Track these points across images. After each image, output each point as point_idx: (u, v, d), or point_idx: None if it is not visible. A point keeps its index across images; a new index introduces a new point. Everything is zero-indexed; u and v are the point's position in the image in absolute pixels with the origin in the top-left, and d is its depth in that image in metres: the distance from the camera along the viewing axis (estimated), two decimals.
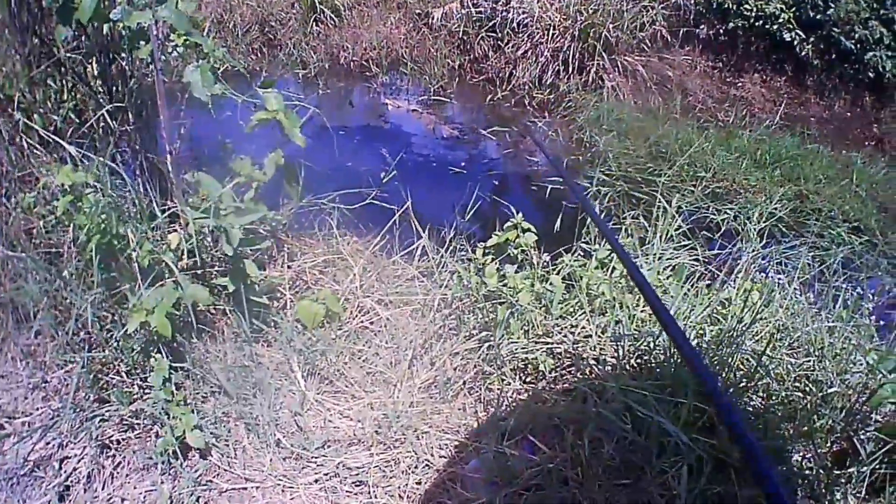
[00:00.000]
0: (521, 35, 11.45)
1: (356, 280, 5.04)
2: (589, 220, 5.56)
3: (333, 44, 12.04)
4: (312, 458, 3.90)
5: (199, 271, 4.34)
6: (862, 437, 4.10)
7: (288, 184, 4.55)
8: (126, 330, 3.91)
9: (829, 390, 4.36)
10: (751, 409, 4.26)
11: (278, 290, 4.83)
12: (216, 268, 4.43)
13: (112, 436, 3.88)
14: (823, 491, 3.94)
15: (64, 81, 5.23)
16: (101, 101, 5.05)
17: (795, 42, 11.76)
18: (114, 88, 5.13)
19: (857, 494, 3.96)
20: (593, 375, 4.32)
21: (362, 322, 4.79)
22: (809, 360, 4.66)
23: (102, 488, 3.74)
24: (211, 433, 3.89)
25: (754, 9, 11.68)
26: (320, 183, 5.77)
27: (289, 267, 5.14)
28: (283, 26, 12.32)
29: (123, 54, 5.00)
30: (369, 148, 8.97)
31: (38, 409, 4.01)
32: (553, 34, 11.14)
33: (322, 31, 12.24)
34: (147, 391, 3.99)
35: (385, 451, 3.94)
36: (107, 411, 3.92)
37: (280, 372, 4.31)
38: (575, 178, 8.10)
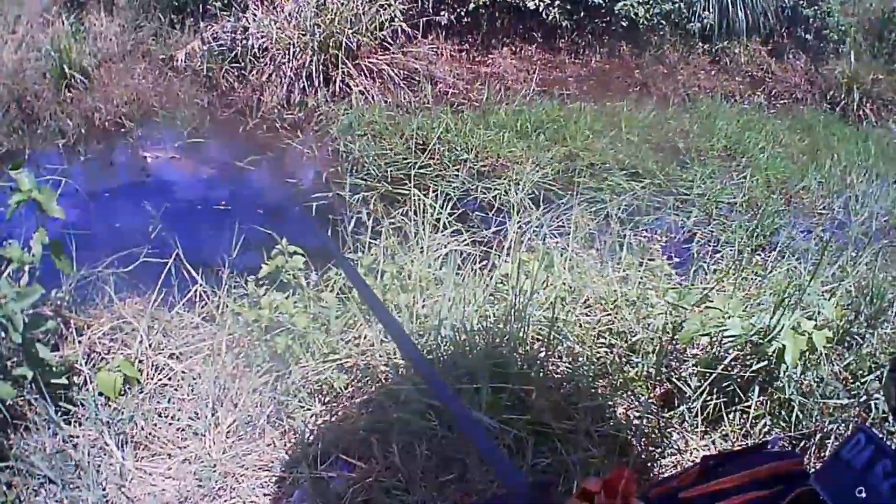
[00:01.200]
0: (263, 59, 11.51)
1: (144, 340, 4.97)
2: (350, 230, 5.60)
3: (87, 107, 11.75)
4: None
5: None
6: (683, 374, 4.26)
7: (57, 259, 4.51)
8: None
9: (634, 338, 4.52)
10: (558, 375, 4.31)
11: (75, 368, 4.72)
12: (13, 359, 4.37)
13: None
14: (658, 435, 4.03)
15: None
16: None
17: (541, 9, 11.97)
18: None
19: (696, 430, 4.11)
20: (389, 382, 4.37)
21: (160, 380, 4.75)
22: (607, 314, 4.78)
23: None
24: None
25: None
26: (92, 252, 5.69)
27: (79, 342, 5.00)
28: (39, 98, 12.00)
29: None
30: (135, 205, 8.73)
31: None
32: (294, 52, 11.22)
33: (75, 96, 11.95)
34: None
35: (211, 503, 3.94)
36: None
37: (96, 448, 4.23)
38: (335, 190, 8.08)
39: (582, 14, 12.20)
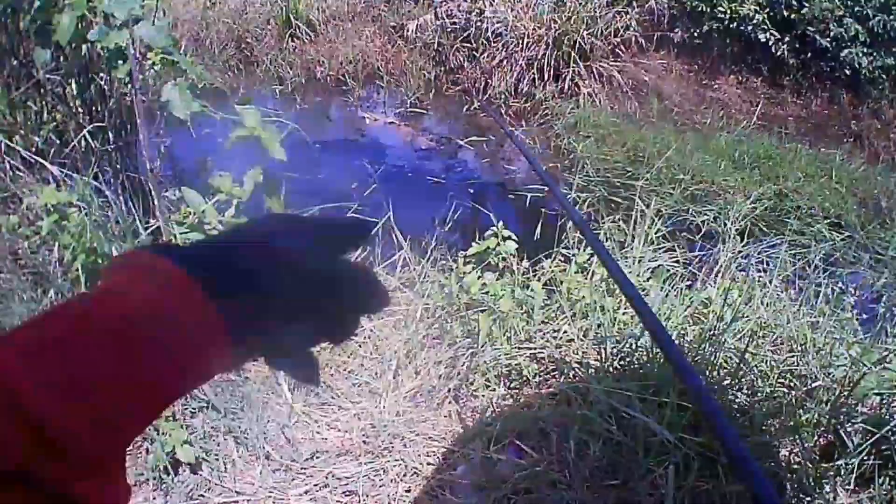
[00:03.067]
0: (495, 44, 11.48)
1: None
2: (569, 225, 5.63)
3: (309, 59, 12.05)
4: (302, 469, 3.93)
5: None
6: (848, 429, 4.16)
7: (269, 198, 4.46)
8: None
9: (814, 384, 4.42)
10: (736, 406, 4.31)
11: None
12: None
13: None
14: (812, 484, 3.99)
15: (44, 103, 5.32)
16: (82, 121, 5.11)
17: (770, 42, 11.82)
18: (93, 109, 5.18)
19: (847, 487, 4.01)
20: (577, 379, 4.37)
21: None
22: (793, 356, 4.73)
23: None
24: (201, 448, 3.90)
25: (728, 11, 11.70)
26: (301, 198, 5.84)
27: None
28: (259, 42, 12.33)
29: (102, 74, 5.06)
30: (348, 162, 9.01)
31: None
32: (528, 42, 11.18)
33: (298, 47, 12.25)
34: None
35: (373, 460, 3.97)
36: None
37: (266, 386, 4.32)
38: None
39: (809, 55, 11.99)
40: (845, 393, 4.28)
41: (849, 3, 11.76)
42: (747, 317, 4.87)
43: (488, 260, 5.20)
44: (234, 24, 12.42)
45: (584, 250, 5.23)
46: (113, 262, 0.75)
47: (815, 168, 9.39)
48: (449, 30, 12.05)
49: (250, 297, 0.74)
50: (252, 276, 0.75)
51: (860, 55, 11.58)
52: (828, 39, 11.64)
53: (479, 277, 4.88)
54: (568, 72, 11.11)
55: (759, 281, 5.44)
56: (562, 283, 4.98)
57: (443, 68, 12.09)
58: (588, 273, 5.06)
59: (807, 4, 11.64)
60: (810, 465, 4.06)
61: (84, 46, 4.64)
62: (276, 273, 0.77)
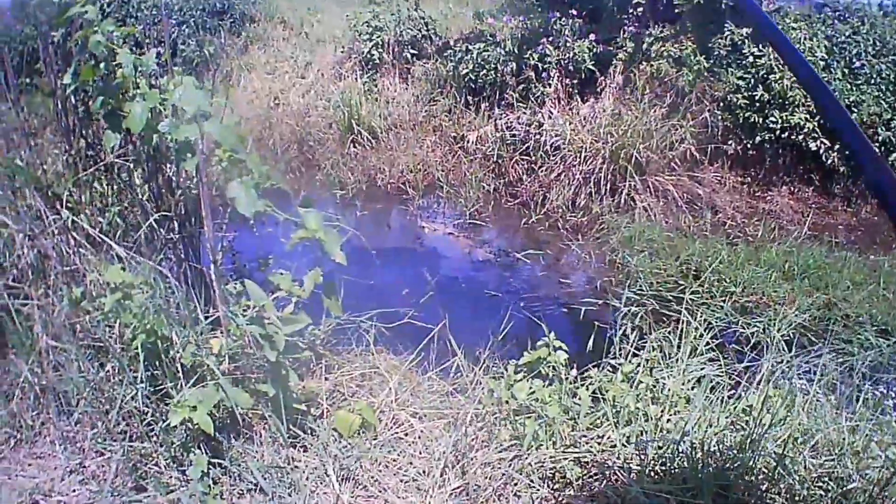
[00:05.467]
0: (554, 158, 11.80)
1: (391, 394, 5.30)
2: (618, 337, 5.92)
3: (370, 165, 12.44)
4: None
5: (238, 375, 4.62)
6: None
7: (327, 299, 4.74)
8: (169, 423, 4.16)
9: (849, 486, 4.58)
10: None
11: (316, 400, 5.08)
12: (255, 374, 4.67)
13: None
14: None
15: (111, 186, 5.66)
16: (147, 208, 5.44)
17: (821, 151, 12.00)
18: (160, 197, 5.50)
19: None
20: (618, 482, 4.58)
21: (396, 433, 5.00)
22: (831, 459, 4.88)
23: None
24: None
25: (779, 120, 11.93)
26: (358, 301, 6.19)
27: (326, 378, 5.41)
28: (321, 146, 12.84)
29: (170, 165, 5.38)
30: (406, 270, 9.33)
31: (74, 490, 4.26)
32: (585, 156, 11.48)
33: (359, 153, 12.70)
34: (184, 484, 4.22)
35: None
36: (144, 498, 4.17)
37: (315, 475, 4.51)
38: (606, 300, 8.46)
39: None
40: (878, 493, 4.42)
41: None
42: (787, 423, 5.07)
43: (539, 369, 5.49)
44: (297, 126, 12.95)
45: (630, 360, 5.52)
46: None
47: (864, 276, 9.50)
48: (508, 142, 12.43)
49: None
50: None
51: None
52: (877, 144, 11.84)
53: (528, 384, 5.18)
54: (624, 186, 11.35)
55: (801, 388, 5.63)
56: (607, 391, 5.23)
57: (502, 181, 12.39)
58: (633, 382, 5.32)
59: (855, 110, 11.92)
60: None
61: (154, 136, 4.89)
62: None
